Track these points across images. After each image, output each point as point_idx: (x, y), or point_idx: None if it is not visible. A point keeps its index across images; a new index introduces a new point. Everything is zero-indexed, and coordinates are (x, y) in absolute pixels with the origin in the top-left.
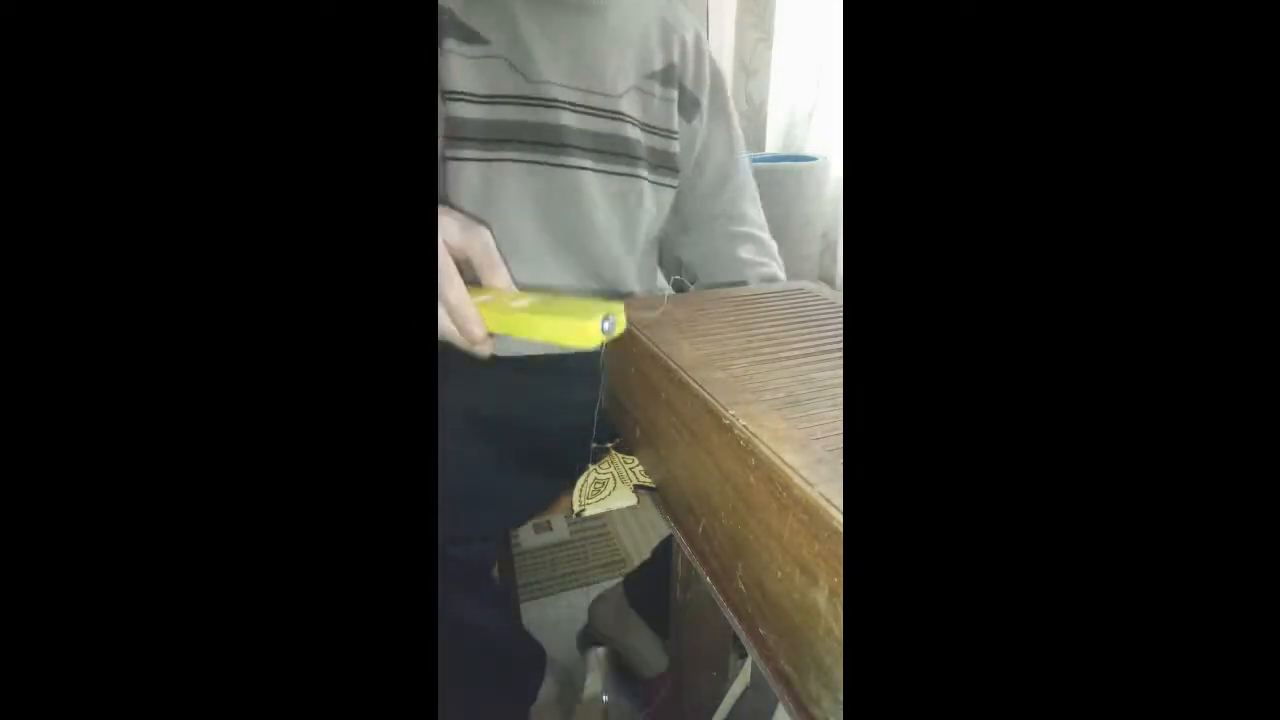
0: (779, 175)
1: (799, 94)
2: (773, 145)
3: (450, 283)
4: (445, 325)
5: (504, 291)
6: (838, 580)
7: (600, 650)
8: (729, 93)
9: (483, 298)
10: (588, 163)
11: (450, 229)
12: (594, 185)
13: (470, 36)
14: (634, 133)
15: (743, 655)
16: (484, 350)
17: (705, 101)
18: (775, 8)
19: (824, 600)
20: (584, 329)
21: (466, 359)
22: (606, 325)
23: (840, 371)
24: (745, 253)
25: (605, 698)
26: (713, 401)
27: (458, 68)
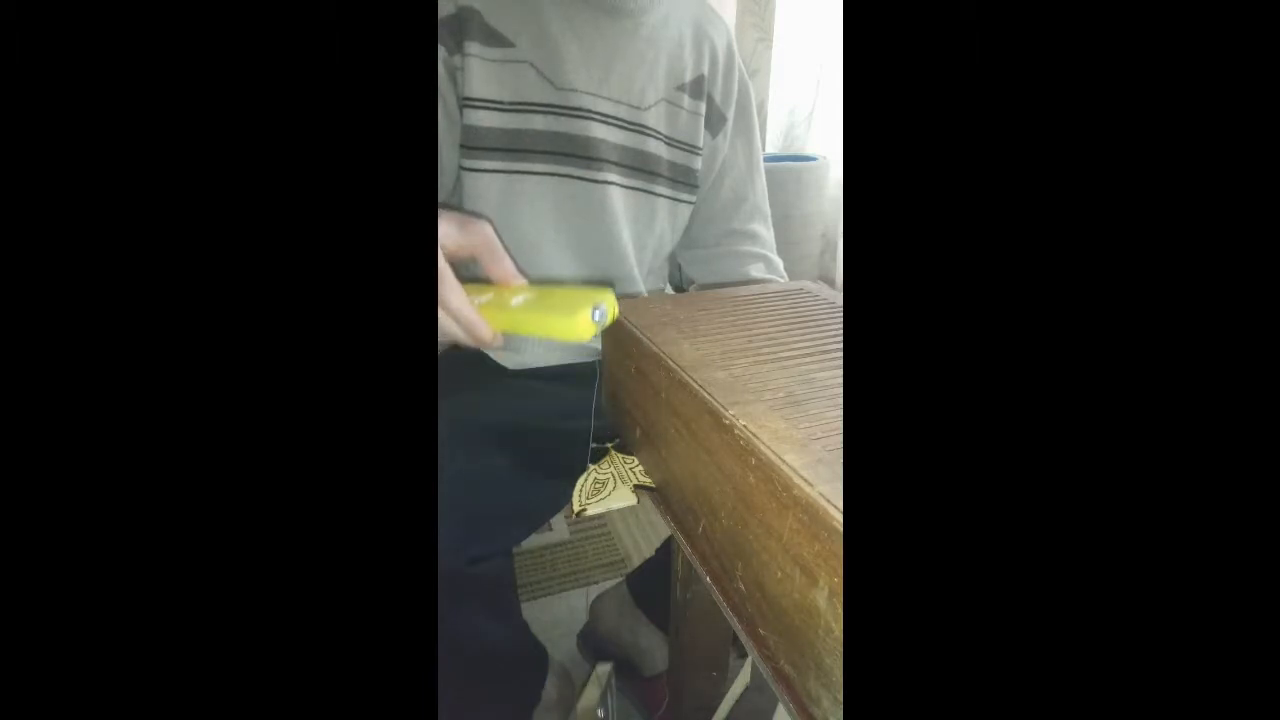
0: (779, 175)
1: (799, 94)
2: (773, 145)
3: (451, 290)
4: (451, 330)
5: (503, 288)
6: (838, 580)
7: (606, 666)
8: (754, 108)
9: (482, 299)
10: (615, 177)
11: (448, 230)
12: (619, 201)
13: (494, 39)
14: (660, 147)
15: (743, 655)
16: (496, 344)
17: (731, 117)
18: (775, 8)
19: (824, 600)
20: (575, 324)
21: (476, 375)
22: (597, 315)
23: (840, 371)
24: (756, 272)
25: (601, 713)
26: (713, 401)
27: (479, 72)
